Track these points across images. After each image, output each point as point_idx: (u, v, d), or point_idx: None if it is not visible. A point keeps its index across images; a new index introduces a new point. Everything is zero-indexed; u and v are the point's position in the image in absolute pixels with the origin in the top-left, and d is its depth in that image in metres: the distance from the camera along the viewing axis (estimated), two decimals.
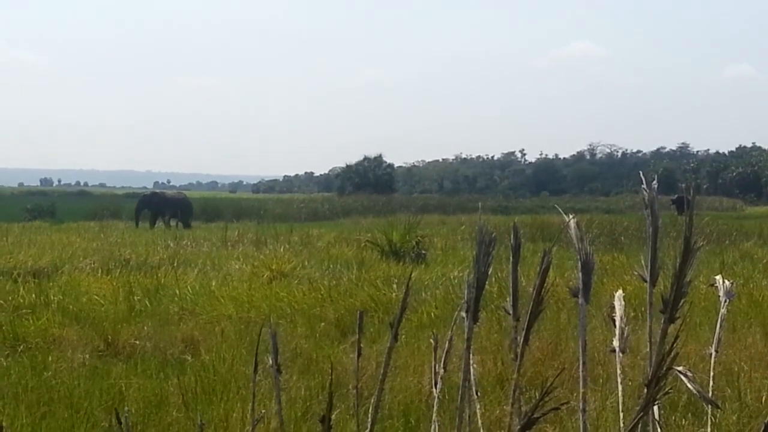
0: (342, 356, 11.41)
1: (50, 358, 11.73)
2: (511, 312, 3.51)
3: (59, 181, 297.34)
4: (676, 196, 66.34)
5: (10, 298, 16.40)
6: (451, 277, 19.31)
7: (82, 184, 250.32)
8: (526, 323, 3.32)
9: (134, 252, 26.56)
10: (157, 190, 61.64)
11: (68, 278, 19.66)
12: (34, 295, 16.60)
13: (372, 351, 10.41)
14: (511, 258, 3.56)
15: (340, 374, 10.30)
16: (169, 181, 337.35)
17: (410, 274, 5.45)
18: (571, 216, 3.32)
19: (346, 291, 17.13)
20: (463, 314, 3.50)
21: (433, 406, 3.88)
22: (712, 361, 4.33)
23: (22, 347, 12.63)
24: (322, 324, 14.03)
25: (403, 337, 11.65)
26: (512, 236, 3.53)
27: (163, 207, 53.22)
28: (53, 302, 16.04)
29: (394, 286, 17.63)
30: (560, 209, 3.75)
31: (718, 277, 4.39)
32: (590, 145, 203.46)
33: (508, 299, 3.55)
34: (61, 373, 10.92)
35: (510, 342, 3.52)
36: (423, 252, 25.69)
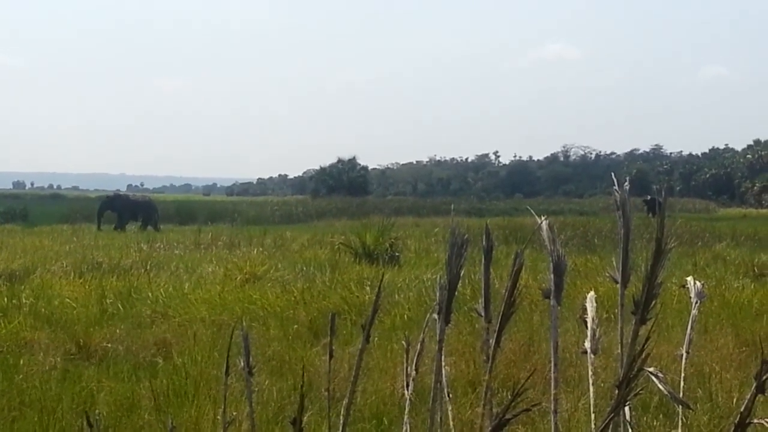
0: (315, 358, 11.39)
1: (21, 362, 11.67)
2: (482, 314, 3.51)
3: (32, 184, 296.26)
4: (648, 197, 66.63)
5: None
6: (425, 279, 19.31)
7: (55, 187, 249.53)
8: (497, 325, 3.32)
9: (107, 255, 26.47)
10: (121, 192, 61.17)
11: (40, 281, 19.57)
12: (5, 299, 16.52)
13: (345, 353, 10.40)
14: (483, 260, 3.56)
15: (312, 376, 10.29)
16: (142, 184, 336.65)
17: (382, 277, 5.45)
18: (543, 218, 3.33)
19: (319, 293, 17.11)
20: (435, 316, 3.50)
21: (405, 408, 3.87)
22: (684, 362, 4.34)
23: None
24: (295, 326, 14.01)
25: (376, 339, 11.65)
26: (484, 238, 3.54)
27: (126, 209, 52.84)
28: (25, 305, 15.97)
29: (368, 288, 17.63)
30: (533, 211, 3.75)
31: (690, 279, 4.40)
32: (564, 147, 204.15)
33: (480, 301, 3.55)
34: (33, 377, 10.87)
35: (482, 344, 3.52)
36: (396, 254, 25.71)
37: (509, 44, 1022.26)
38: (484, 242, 3.54)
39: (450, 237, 3.41)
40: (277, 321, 14.56)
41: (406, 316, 14.57)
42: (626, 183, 3.22)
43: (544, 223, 3.31)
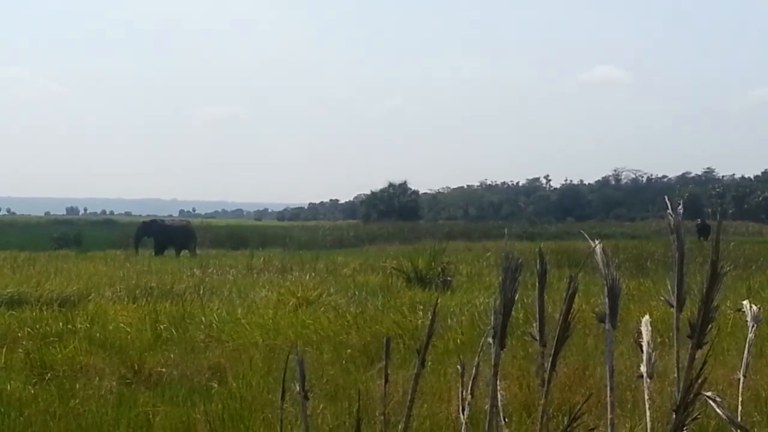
0: (369, 382, 11.39)
1: (77, 386, 11.76)
2: (537, 337, 3.52)
3: (85, 209, 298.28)
4: (699, 220, 66.11)
5: (37, 326, 16.45)
6: (477, 303, 19.25)
7: (107, 212, 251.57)
8: (553, 349, 3.32)
9: (160, 280, 26.60)
10: (157, 218, 61.49)
11: (95, 306, 19.71)
12: (61, 324, 16.64)
13: (398, 377, 10.39)
14: (537, 284, 3.57)
15: (366, 401, 10.29)
16: (194, 209, 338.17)
17: (437, 301, 5.45)
18: (596, 241, 3.33)
19: (371, 318, 17.11)
20: (490, 340, 3.51)
21: None
22: (741, 387, 4.32)
23: (49, 375, 12.67)
24: (348, 351, 14.02)
25: (429, 363, 11.61)
26: (538, 262, 3.54)
27: (162, 234, 53.31)
28: (80, 330, 16.09)
29: (420, 312, 17.60)
30: (586, 235, 3.75)
31: (746, 303, 4.38)
32: (615, 171, 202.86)
33: (534, 325, 3.56)
34: (89, 401, 10.95)
35: (537, 368, 3.53)
36: (448, 279, 25.64)
37: (558, 68, 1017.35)
38: (538, 266, 3.54)
39: (504, 261, 3.42)
40: (330, 345, 14.58)
41: (459, 340, 14.54)
42: (680, 206, 3.23)
43: (597, 246, 3.32)
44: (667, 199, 3.40)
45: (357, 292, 22.74)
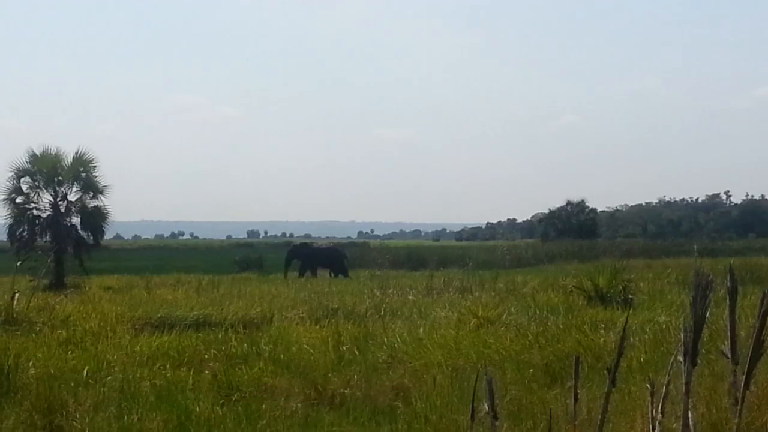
0: (552, 401, 11.32)
1: (264, 407, 11.99)
2: (729, 356, 3.46)
3: (266, 232, 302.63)
4: None
5: (223, 348, 16.82)
6: (659, 321, 18.95)
7: (287, 235, 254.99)
8: (746, 367, 3.27)
9: (341, 301, 26.87)
10: (307, 241, 62.46)
11: (278, 328, 20.03)
12: (245, 345, 16.97)
13: (581, 395, 10.32)
14: (727, 300, 3.52)
15: (550, 420, 10.23)
16: (372, 231, 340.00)
17: (626, 320, 5.43)
18: None
19: (553, 336, 16.99)
20: (680, 358, 3.47)
21: None
22: None
23: (236, 396, 12.95)
24: (531, 370, 13.97)
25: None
26: (728, 278, 3.50)
27: (310, 257, 54.10)
28: (264, 351, 16.37)
29: (602, 331, 17.43)
30: None
31: None
32: None
33: (726, 343, 3.50)
34: (276, 422, 11.15)
35: (728, 386, 3.48)
36: (630, 297, 25.32)
37: (735, 83, 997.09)
38: (728, 283, 3.50)
39: (694, 278, 3.38)
40: (512, 364, 14.53)
41: (642, 358, 14.35)
42: None
43: None
44: None
45: (537, 311, 22.60)
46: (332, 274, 52.29)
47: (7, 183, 41.52)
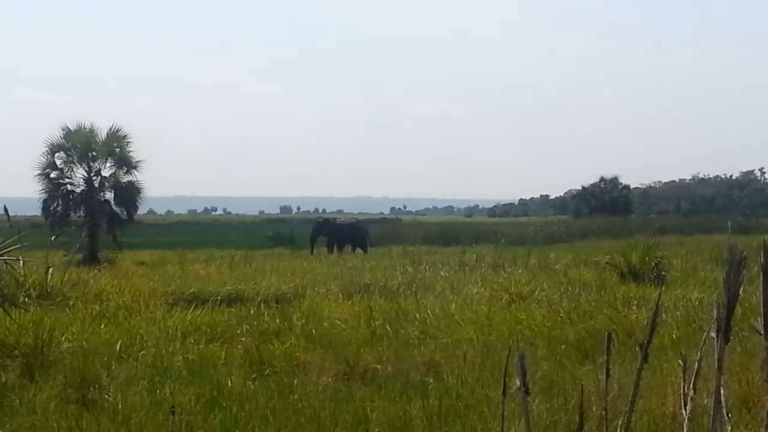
0: (584, 378, 11.28)
1: (295, 382, 12.01)
2: (762, 332, 3.44)
3: (298, 208, 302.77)
4: None
5: (255, 323, 16.85)
6: (692, 298, 18.89)
7: (320, 210, 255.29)
8: None
9: (373, 277, 26.86)
10: (329, 217, 63.42)
11: (310, 303, 20.04)
12: (278, 321, 17.00)
13: (613, 372, 10.28)
14: (761, 277, 3.48)
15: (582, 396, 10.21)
16: (405, 207, 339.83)
17: (659, 296, 5.39)
18: None
19: (585, 313, 16.96)
20: (713, 334, 3.44)
21: (683, 428, 3.81)
22: None
23: (268, 371, 12.98)
24: (562, 346, 13.95)
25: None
26: (762, 255, 3.46)
27: (334, 233, 55.17)
28: (297, 327, 16.40)
29: (634, 307, 17.39)
30: None
31: None
32: None
33: (759, 319, 3.47)
34: (307, 396, 11.16)
35: (762, 363, 3.45)
36: (663, 273, 25.23)
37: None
38: (762, 260, 3.46)
39: (728, 254, 3.35)
40: (544, 341, 14.53)
41: (674, 335, 14.31)
42: None
43: None
44: None
45: (570, 288, 22.57)
46: (354, 249, 52.86)
47: (42, 158, 41.76)
